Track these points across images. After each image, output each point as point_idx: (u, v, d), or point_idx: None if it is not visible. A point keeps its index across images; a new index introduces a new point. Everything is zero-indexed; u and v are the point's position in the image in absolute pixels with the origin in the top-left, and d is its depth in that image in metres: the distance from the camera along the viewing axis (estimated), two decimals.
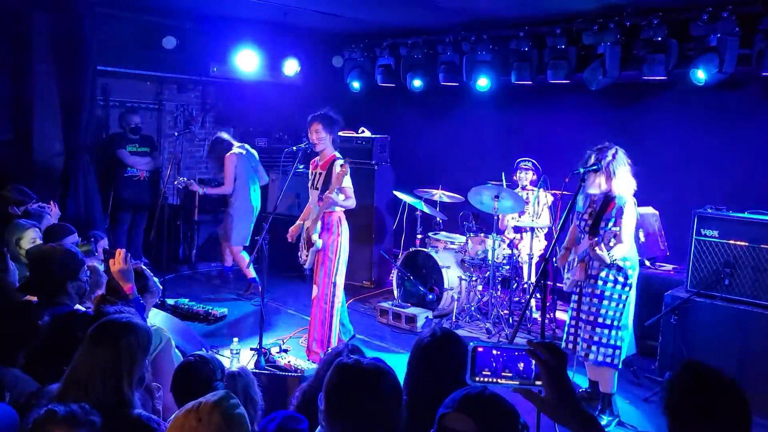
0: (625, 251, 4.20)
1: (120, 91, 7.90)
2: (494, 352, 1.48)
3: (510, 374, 1.47)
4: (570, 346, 4.49)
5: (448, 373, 2.34)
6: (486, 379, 1.47)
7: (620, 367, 4.34)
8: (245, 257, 7.03)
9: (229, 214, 7.06)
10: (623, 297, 4.28)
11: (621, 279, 4.27)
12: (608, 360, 4.29)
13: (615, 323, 4.28)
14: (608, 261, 4.10)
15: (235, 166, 6.96)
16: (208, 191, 7.18)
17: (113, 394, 2.27)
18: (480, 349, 1.48)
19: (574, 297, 4.49)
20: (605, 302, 4.27)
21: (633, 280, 4.33)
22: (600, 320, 4.28)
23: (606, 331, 4.27)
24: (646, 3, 5.57)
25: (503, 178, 6.44)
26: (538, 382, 1.46)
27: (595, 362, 4.30)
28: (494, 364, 1.47)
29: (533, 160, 6.52)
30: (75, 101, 6.43)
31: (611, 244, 4.07)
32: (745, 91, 5.93)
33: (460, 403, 1.70)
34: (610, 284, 4.27)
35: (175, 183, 7.10)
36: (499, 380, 1.47)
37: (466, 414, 1.69)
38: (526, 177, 6.50)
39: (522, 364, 1.47)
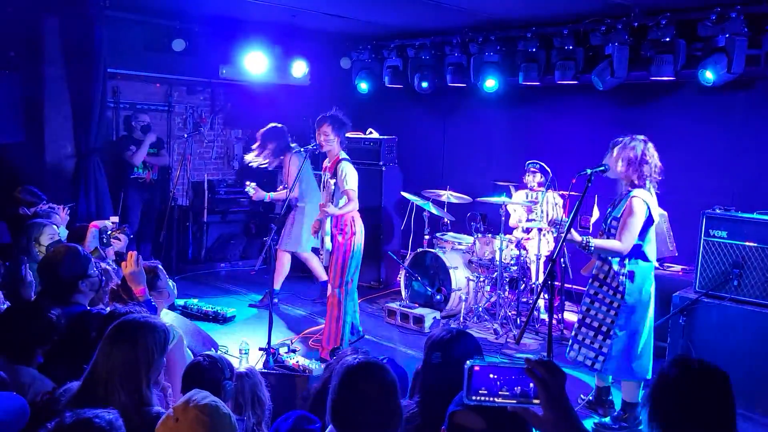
0: (609, 246, 4.03)
1: (130, 93, 7.96)
2: (491, 371, 1.48)
3: (507, 393, 1.47)
4: (576, 353, 4.45)
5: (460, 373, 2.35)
6: (483, 398, 1.47)
7: (601, 371, 4.22)
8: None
9: (296, 219, 6.59)
10: (614, 304, 4.14)
11: (614, 284, 4.15)
12: (588, 363, 4.21)
13: (602, 328, 4.18)
14: (579, 240, 3.96)
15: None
16: (275, 197, 6.58)
17: (132, 393, 2.30)
18: (476, 369, 1.47)
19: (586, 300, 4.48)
20: (596, 304, 4.25)
21: (631, 289, 4.12)
22: (587, 320, 4.26)
23: (591, 333, 4.22)
24: (653, 3, 5.57)
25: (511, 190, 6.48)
26: (536, 401, 1.45)
27: (574, 360, 4.29)
28: (491, 383, 1.47)
29: (541, 163, 6.53)
30: (86, 103, 6.48)
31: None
32: (754, 91, 5.91)
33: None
34: (604, 287, 4.22)
35: (246, 189, 6.59)
36: (496, 399, 1.47)
37: (476, 412, 1.71)
38: (534, 179, 6.53)
39: (520, 383, 1.47)
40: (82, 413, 1.85)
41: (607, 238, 4.19)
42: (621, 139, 4.20)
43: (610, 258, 4.19)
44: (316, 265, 6.76)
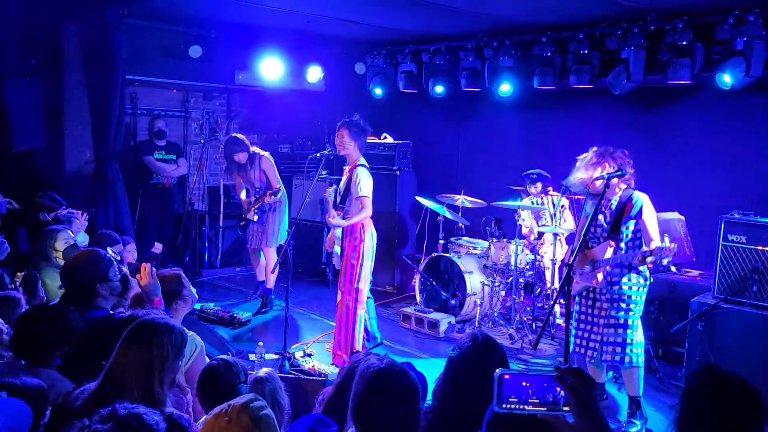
0: (657, 242, 4.16)
1: (147, 99, 8.06)
2: (521, 380, 1.48)
3: (537, 401, 1.48)
4: (582, 350, 4.47)
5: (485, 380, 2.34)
6: (513, 406, 1.48)
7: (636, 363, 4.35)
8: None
9: (274, 216, 6.72)
10: (641, 297, 4.32)
11: (641, 281, 4.29)
12: (637, 359, 4.30)
13: (636, 323, 4.31)
14: (655, 247, 4.02)
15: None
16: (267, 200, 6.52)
17: (145, 392, 2.32)
18: (506, 377, 1.48)
19: (582, 300, 4.48)
20: (623, 305, 4.28)
21: (647, 275, 4.37)
22: (621, 321, 4.29)
23: (630, 332, 4.29)
24: (670, 7, 5.54)
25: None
26: (566, 408, 1.46)
27: (630, 365, 4.28)
28: (521, 391, 1.48)
29: (538, 171, 6.57)
30: (104, 109, 6.56)
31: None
32: None
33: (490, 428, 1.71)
34: (628, 287, 4.28)
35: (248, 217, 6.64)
36: (526, 407, 1.48)
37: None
38: (536, 187, 6.57)
39: (549, 391, 1.47)
40: (133, 408, 1.88)
41: (622, 242, 4.26)
42: (601, 150, 4.30)
43: (633, 263, 4.25)
44: (259, 264, 6.92)
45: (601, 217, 4.32)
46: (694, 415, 1.66)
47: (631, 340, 4.28)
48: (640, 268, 4.26)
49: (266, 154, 6.70)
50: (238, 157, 6.57)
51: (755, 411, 1.65)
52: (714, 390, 1.67)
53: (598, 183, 4.15)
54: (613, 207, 4.29)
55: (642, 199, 4.23)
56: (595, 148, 4.35)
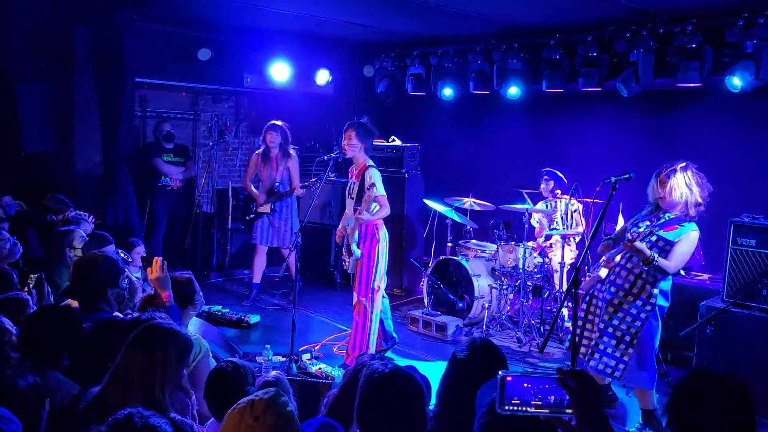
0: (671, 267, 4.05)
1: (157, 102, 8.09)
2: (523, 381, 1.48)
3: (540, 402, 1.47)
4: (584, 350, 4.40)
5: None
6: (516, 408, 1.47)
7: (619, 381, 4.24)
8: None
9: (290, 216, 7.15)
10: (642, 315, 4.12)
11: (645, 296, 4.13)
12: (608, 371, 4.16)
13: (625, 338, 4.14)
14: (648, 255, 3.93)
15: None
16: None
17: (147, 398, 2.33)
18: (509, 379, 1.48)
19: (586, 298, 4.41)
20: (620, 314, 4.15)
21: (661, 303, 4.18)
22: (610, 330, 4.17)
23: (613, 342, 4.15)
24: (679, 10, 5.51)
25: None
26: (569, 411, 1.45)
27: (595, 369, 4.19)
28: (523, 393, 1.47)
29: (553, 169, 6.52)
30: (114, 112, 6.59)
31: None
32: None
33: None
34: (630, 297, 4.14)
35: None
36: (528, 409, 1.47)
37: None
38: (547, 186, 6.50)
39: (552, 392, 1.47)
40: (149, 417, 1.89)
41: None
42: (673, 170, 4.14)
43: (644, 274, 4.13)
44: (263, 265, 7.19)
45: (647, 223, 4.22)
46: (684, 416, 1.65)
47: (612, 350, 4.14)
48: (654, 291, 4.10)
49: (294, 154, 7.13)
50: (269, 137, 6.95)
51: (745, 412, 1.64)
52: (704, 391, 1.66)
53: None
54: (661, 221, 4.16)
55: (693, 230, 4.11)
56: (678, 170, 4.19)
